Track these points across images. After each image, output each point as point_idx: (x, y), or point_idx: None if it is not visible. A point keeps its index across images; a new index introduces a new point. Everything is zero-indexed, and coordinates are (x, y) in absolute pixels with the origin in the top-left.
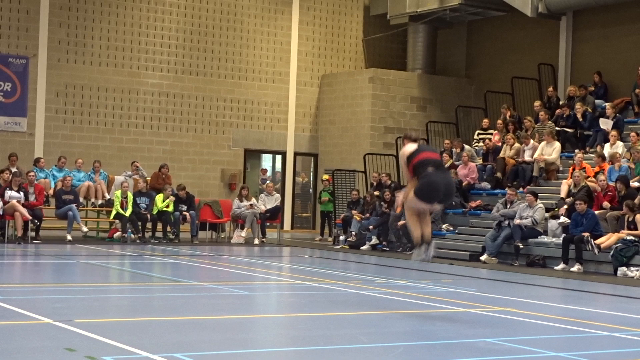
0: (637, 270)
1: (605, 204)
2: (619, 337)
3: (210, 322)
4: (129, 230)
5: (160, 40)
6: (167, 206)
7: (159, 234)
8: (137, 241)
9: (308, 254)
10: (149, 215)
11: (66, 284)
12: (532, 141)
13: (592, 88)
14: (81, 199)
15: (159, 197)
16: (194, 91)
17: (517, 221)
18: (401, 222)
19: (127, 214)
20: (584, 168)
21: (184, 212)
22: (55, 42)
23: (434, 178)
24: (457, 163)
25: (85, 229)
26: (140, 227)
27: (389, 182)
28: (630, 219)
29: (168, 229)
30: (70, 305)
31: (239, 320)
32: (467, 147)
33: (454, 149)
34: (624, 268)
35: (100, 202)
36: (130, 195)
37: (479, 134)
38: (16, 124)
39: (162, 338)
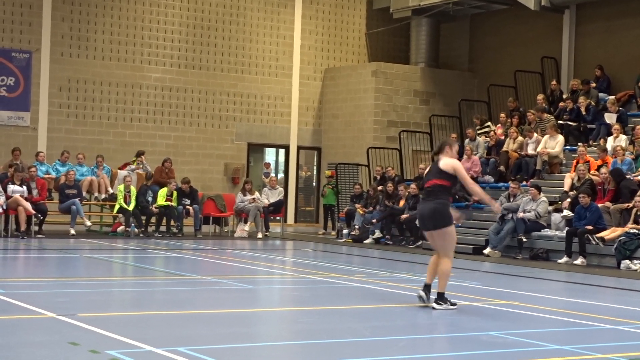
0: None
1: (608, 203)
2: (623, 330)
3: (213, 316)
4: (132, 224)
5: (164, 34)
6: (167, 200)
7: (162, 228)
8: (141, 235)
9: (311, 248)
10: (154, 209)
11: (69, 278)
12: (535, 134)
13: (594, 84)
14: (84, 194)
15: (162, 192)
16: (197, 85)
17: (520, 215)
18: (404, 216)
19: (131, 208)
20: (588, 161)
21: (187, 206)
22: (58, 37)
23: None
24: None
25: (88, 223)
26: (143, 222)
27: (393, 174)
28: (639, 213)
29: (171, 223)
30: (74, 299)
31: (242, 314)
32: (480, 139)
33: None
34: (628, 261)
35: (103, 196)
36: (133, 190)
37: (477, 129)
38: (19, 118)
39: (166, 332)
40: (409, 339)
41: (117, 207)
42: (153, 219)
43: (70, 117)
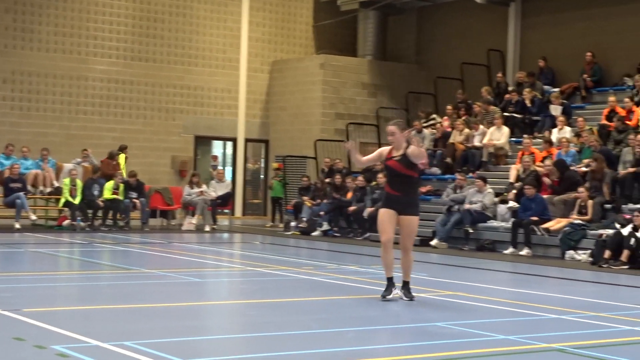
0: (585, 254)
1: (550, 197)
2: (567, 320)
3: (161, 310)
4: (78, 218)
5: (109, 26)
6: (113, 194)
7: (109, 222)
8: (87, 229)
9: (259, 241)
10: (100, 203)
11: (15, 273)
12: (481, 126)
13: (537, 80)
14: (29, 187)
15: (108, 185)
16: (143, 77)
17: (466, 206)
18: (352, 208)
19: (77, 201)
20: (533, 153)
21: (134, 200)
22: (1, 28)
23: None
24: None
25: (33, 217)
26: (90, 215)
27: (341, 167)
28: (583, 204)
29: (118, 216)
30: (19, 294)
31: (189, 308)
32: (426, 131)
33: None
34: (572, 251)
35: (48, 189)
36: (79, 183)
37: (424, 121)
38: None
39: (113, 326)
40: (356, 331)
41: (62, 200)
42: (99, 213)
43: (14, 109)
